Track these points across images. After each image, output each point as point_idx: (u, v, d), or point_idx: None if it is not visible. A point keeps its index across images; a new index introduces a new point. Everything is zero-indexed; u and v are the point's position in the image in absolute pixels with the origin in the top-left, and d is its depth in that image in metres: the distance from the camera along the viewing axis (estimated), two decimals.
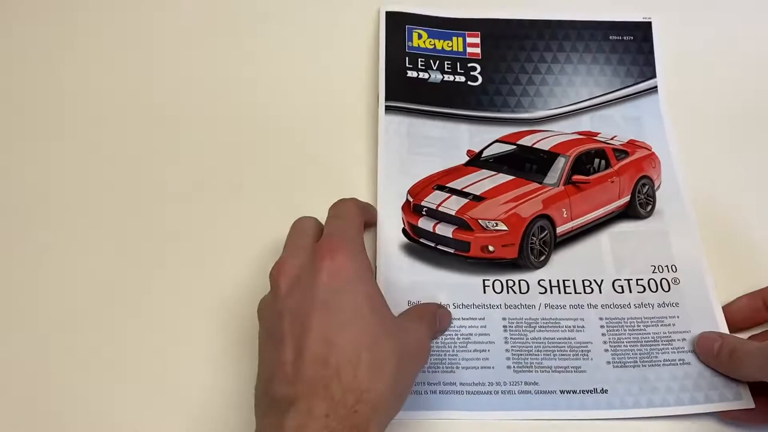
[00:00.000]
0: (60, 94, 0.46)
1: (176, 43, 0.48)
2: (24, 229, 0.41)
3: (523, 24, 0.49)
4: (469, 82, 0.47)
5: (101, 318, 0.38)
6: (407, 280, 0.40)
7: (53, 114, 0.45)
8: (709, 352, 0.36)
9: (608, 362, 0.37)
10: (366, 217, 0.39)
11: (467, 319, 0.39)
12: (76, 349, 0.37)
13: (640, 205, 0.44)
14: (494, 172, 0.43)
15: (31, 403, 0.36)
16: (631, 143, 0.45)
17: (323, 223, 0.36)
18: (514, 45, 0.48)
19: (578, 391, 0.36)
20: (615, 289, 0.40)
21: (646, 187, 0.44)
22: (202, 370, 0.37)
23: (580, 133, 0.45)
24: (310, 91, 0.46)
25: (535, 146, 0.44)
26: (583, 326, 0.38)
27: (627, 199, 0.44)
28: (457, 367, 0.37)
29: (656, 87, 0.47)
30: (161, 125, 0.45)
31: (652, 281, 0.40)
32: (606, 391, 0.36)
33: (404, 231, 0.41)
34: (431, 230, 0.41)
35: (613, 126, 0.46)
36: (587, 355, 0.37)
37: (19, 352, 0.37)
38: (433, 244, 0.41)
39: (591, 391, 0.36)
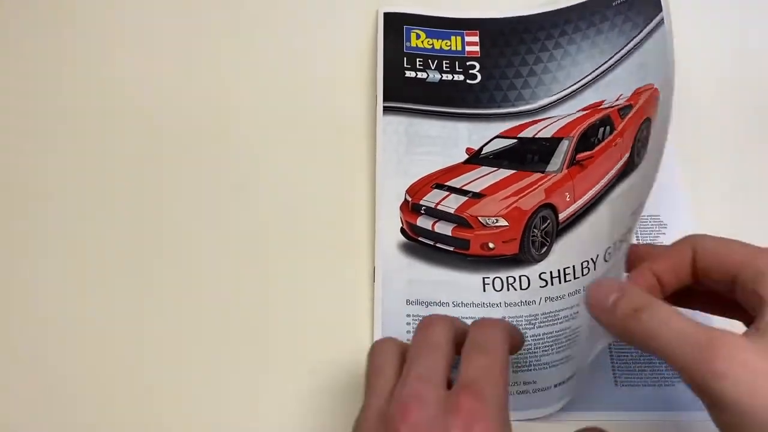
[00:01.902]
0: (60, 94, 0.46)
1: (173, 43, 0.48)
2: (32, 230, 0.42)
3: (523, 20, 0.48)
4: (467, 81, 0.46)
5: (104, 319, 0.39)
6: (406, 279, 0.39)
7: (52, 114, 0.46)
8: (601, 303, 0.28)
9: None
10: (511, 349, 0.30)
11: (467, 318, 0.38)
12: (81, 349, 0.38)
13: (637, 154, 0.41)
14: (494, 168, 0.43)
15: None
16: (636, 93, 0.42)
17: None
18: (513, 40, 0.47)
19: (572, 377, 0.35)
20: (605, 259, 0.37)
21: (644, 131, 0.41)
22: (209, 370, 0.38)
23: (584, 109, 0.44)
24: (308, 92, 0.46)
25: (537, 136, 0.43)
26: (577, 312, 0.37)
27: (627, 156, 0.41)
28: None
29: (662, 20, 0.43)
30: (158, 125, 0.45)
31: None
32: None
33: (402, 230, 0.41)
34: (430, 229, 0.41)
35: (618, 86, 0.43)
36: (575, 341, 0.36)
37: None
38: (432, 243, 0.41)
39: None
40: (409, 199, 0.42)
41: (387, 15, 0.48)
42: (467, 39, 0.48)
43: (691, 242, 0.30)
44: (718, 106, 0.46)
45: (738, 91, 0.46)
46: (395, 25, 0.48)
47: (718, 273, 0.28)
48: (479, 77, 0.46)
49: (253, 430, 0.36)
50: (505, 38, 0.47)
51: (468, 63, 0.47)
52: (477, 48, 0.47)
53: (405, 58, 0.47)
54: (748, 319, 0.27)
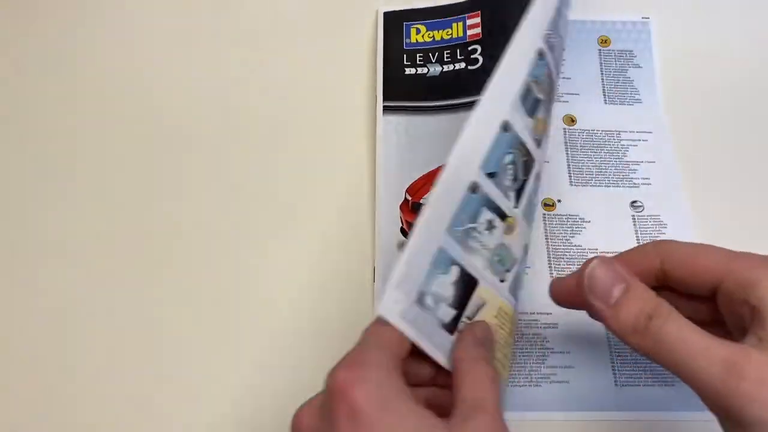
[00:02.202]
0: (63, 94, 0.46)
1: (173, 44, 0.48)
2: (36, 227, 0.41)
3: None
4: (469, 67, 0.45)
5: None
6: None
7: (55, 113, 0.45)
8: (604, 295, 0.25)
9: None
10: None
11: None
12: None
13: None
14: None
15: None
16: None
17: None
18: (516, 11, 0.46)
19: None
20: None
21: None
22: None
23: None
24: (308, 93, 0.46)
25: None
26: None
27: None
28: None
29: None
30: (158, 127, 0.45)
31: None
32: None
33: (402, 230, 0.41)
34: None
35: None
36: None
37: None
38: None
39: None
40: (409, 199, 0.42)
41: (387, 14, 0.48)
42: (468, 22, 0.47)
43: (658, 250, 0.28)
44: (718, 107, 0.46)
45: (737, 91, 0.46)
46: (395, 23, 0.47)
47: (693, 283, 0.26)
48: (481, 60, 0.45)
49: (256, 427, 0.36)
50: (508, 10, 0.46)
51: (470, 48, 0.46)
52: (479, 30, 0.46)
53: (405, 56, 0.46)
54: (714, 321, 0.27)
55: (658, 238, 0.40)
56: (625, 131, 0.44)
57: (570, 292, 0.28)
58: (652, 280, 0.27)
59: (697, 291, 0.27)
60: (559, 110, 0.45)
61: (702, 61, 0.47)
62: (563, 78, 0.45)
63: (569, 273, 0.38)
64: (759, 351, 0.23)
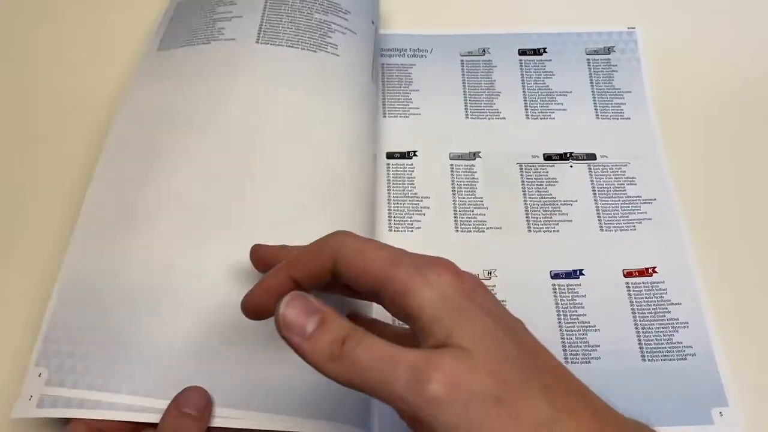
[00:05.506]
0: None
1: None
2: None
3: None
4: None
5: None
6: None
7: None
8: (300, 330, 0.24)
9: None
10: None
11: None
12: None
13: None
14: None
15: None
16: None
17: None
18: None
19: None
20: None
21: None
22: None
23: None
24: None
25: None
26: None
27: None
28: None
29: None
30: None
31: None
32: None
33: None
34: None
35: None
36: None
37: None
38: None
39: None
40: None
41: None
42: None
43: (331, 250, 0.26)
44: (710, 113, 0.46)
45: (729, 94, 0.47)
46: None
47: (361, 287, 0.25)
48: None
49: None
50: None
51: None
52: None
53: None
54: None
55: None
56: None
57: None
58: (328, 277, 0.26)
59: (368, 295, 0.26)
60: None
61: (692, 67, 0.48)
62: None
63: None
64: (438, 355, 0.22)
